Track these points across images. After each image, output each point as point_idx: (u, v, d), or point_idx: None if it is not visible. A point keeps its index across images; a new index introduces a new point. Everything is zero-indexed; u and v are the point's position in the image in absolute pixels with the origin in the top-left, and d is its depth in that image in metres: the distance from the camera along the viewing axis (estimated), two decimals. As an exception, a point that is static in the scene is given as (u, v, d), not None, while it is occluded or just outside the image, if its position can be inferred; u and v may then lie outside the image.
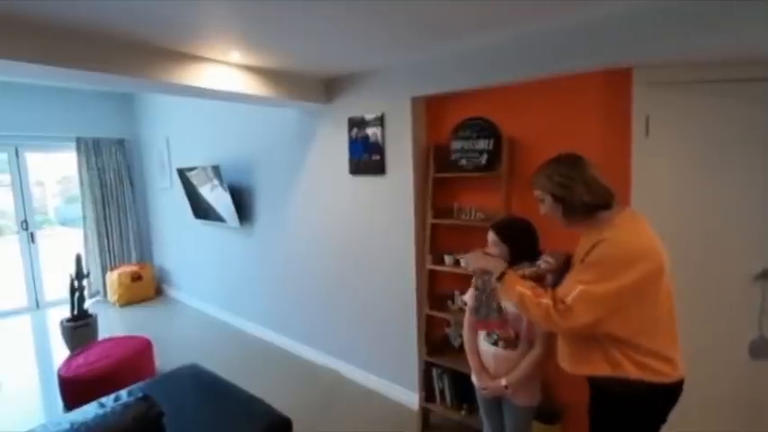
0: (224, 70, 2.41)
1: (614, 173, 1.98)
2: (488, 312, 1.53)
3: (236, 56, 2.30)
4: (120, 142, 5.14)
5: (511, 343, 1.60)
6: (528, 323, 1.56)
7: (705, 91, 1.89)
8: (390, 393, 2.85)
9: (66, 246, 5.32)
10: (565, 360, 1.42)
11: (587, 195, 1.31)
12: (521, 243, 1.58)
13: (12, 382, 3.24)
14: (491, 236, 1.62)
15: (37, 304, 4.75)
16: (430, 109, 2.60)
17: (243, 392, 2.11)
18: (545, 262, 1.48)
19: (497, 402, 1.70)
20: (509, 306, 1.60)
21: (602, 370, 1.31)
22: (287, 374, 3.24)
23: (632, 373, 1.26)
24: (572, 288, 1.26)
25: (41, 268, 4.80)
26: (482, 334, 1.68)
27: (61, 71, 1.91)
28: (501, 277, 1.41)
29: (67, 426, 1.33)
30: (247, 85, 2.54)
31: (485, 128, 2.29)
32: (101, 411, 1.50)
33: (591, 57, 1.84)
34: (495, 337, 1.63)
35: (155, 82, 2.19)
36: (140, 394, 1.72)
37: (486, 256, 1.51)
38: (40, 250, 4.80)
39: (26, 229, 4.63)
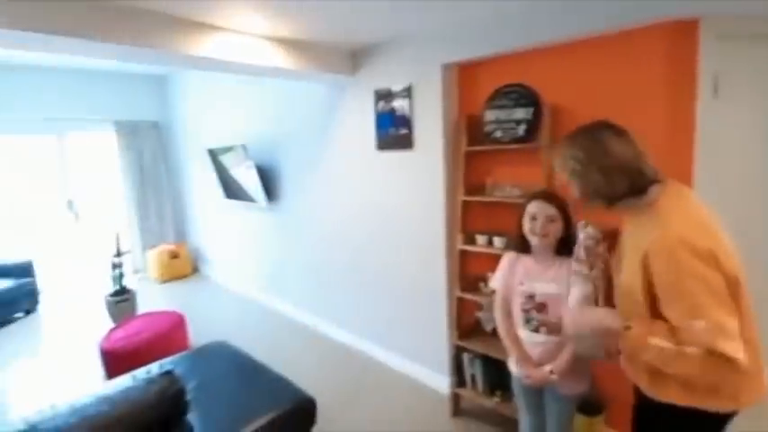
0: (249, 42, 2.33)
1: (675, 141, 1.75)
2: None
3: (259, 22, 2.19)
4: (155, 125, 5.26)
5: (553, 328, 1.44)
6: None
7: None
8: (420, 377, 2.77)
9: (110, 225, 5.56)
10: (661, 392, 1.11)
11: (604, 186, 1.09)
12: (570, 219, 1.43)
13: (66, 352, 3.45)
14: (548, 208, 1.43)
15: (84, 280, 5.03)
16: (462, 77, 2.41)
17: (269, 371, 2.10)
18: (588, 237, 1.29)
19: (538, 391, 1.57)
20: (548, 288, 1.45)
21: (718, 404, 1.06)
22: (315, 354, 3.24)
23: (740, 403, 1.05)
24: (687, 325, 0.95)
25: (88, 245, 5.05)
26: (520, 320, 1.53)
27: (78, 43, 1.85)
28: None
29: (93, 399, 1.34)
30: (272, 57, 2.44)
31: (523, 95, 2.08)
32: (128, 384, 1.51)
33: (649, 7, 1.60)
34: (536, 323, 1.48)
35: (179, 55, 2.14)
36: (168, 368, 1.73)
37: (596, 314, 1.15)
38: (88, 229, 5.04)
39: (71, 209, 4.87)
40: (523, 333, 1.53)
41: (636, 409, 1.25)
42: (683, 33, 1.68)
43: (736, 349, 0.92)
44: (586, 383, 1.52)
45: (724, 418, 1.09)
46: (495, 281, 1.63)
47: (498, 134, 2.16)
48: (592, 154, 1.10)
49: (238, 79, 3.92)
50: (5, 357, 3.20)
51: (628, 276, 1.12)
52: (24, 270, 4.17)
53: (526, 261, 1.53)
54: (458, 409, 2.42)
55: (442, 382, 2.57)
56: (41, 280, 4.36)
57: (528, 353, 1.52)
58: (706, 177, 1.70)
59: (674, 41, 1.71)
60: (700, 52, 1.68)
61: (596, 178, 1.09)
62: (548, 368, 1.44)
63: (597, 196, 1.13)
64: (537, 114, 2.03)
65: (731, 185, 1.70)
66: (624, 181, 1.08)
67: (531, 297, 1.49)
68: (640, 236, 1.07)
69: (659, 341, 0.98)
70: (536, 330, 1.49)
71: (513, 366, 1.59)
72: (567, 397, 1.50)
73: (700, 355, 0.93)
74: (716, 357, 0.92)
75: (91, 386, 2.18)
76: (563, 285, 1.42)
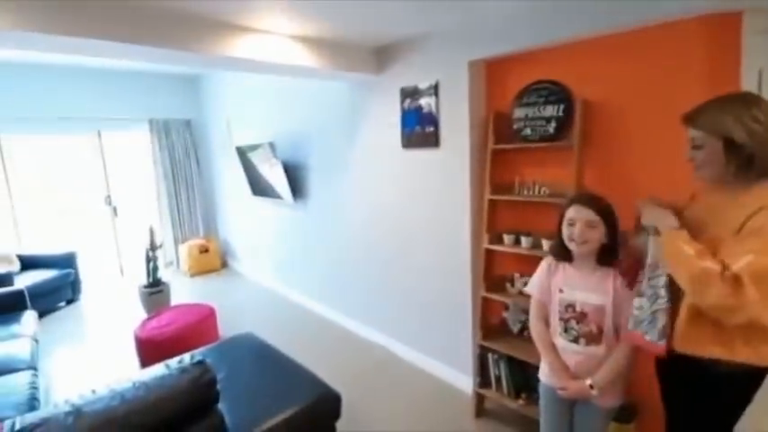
0: (276, 42, 2.38)
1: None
2: (648, 330, 1.23)
3: (285, 23, 2.24)
4: (187, 123, 5.44)
5: (593, 339, 1.38)
6: (613, 316, 1.35)
7: None
8: (444, 376, 2.76)
9: (144, 220, 5.80)
10: (688, 340, 1.19)
11: None
12: (612, 219, 1.36)
13: (104, 340, 3.64)
14: (587, 213, 1.34)
15: (121, 272, 5.28)
16: (490, 74, 2.38)
17: (296, 364, 2.15)
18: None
19: (570, 402, 1.49)
20: (589, 298, 1.39)
21: (741, 355, 1.11)
22: (340, 349, 3.28)
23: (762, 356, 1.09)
24: (736, 256, 1.02)
25: (124, 239, 5.29)
26: (558, 329, 1.47)
27: (112, 46, 1.93)
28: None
29: (131, 385, 1.41)
30: (299, 56, 2.48)
31: (554, 92, 2.04)
32: (162, 372, 1.57)
33: (690, 1, 1.53)
34: (575, 333, 1.41)
35: (210, 56, 2.21)
36: (199, 358, 1.80)
37: (662, 210, 1.20)
38: (125, 223, 5.27)
39: (109, 204, 5.11)
40: (560, 342, 1.46)
41: (681, 389, 1.27)
42: (725, 27, 1.61)
43: (719, 296, 1.01)
44: (621, 397, 1.45)
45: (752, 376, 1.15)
46: (532, 285, 1.56)
47: (527, 132, 2.13)
48: None
49: (267, 78, 4.01)
50: (50, 344, 3.39)
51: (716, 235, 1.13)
52: (67, 261, 4.41)
53: (567, 267, 1.47)
54: (481, 409, 2.40)
55: (466, 382, 2.55)
56: (83, 271, 4.60)
57: (564, 362, 1.45)
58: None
59: (715, 36, 1.63)
60: (743, 47, 1.60)
61: None
62: (588, 382, 1.36)
63: (761, 164, 1.09)
64: (568, 111, 1.98)
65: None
66: None
67: (570, 306, 1.42)
68: (746, 203, 1.08)
69: (687, 247, 1.09)
70: (575, 341, 1.42)
71: (545, 374, 1.53)
72: (601, 410, 1.43)
73: (709, 273, 1.01)
74: (710, 284, 1.01)
75: (127, 372, 2.29)
76: (606, 296, 1.35)
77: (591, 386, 1.36)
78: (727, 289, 1.00)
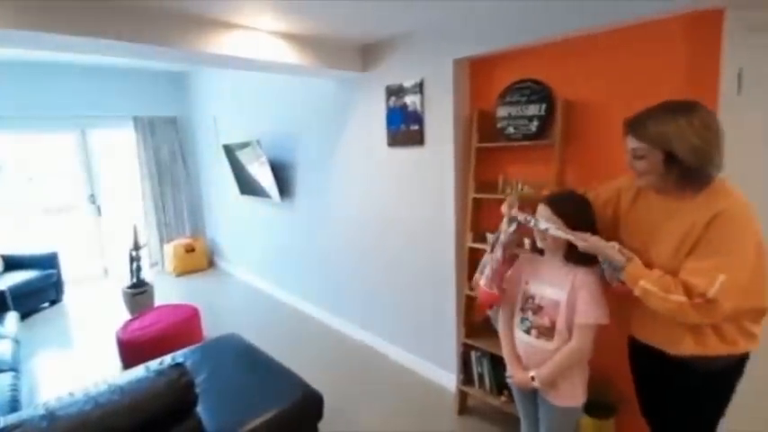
0: (259, 38, 2.35)
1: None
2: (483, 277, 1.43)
3: (268, 19, 2.21)
4: (173, 120, 5.36)
5: (544, 332, 1.42)
6: (567, 313, 1.37)
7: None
8: (427, 373, 2.77)
9: (129, 219, 5.70)
10: (667, 342, 1.26)
11: (717, 167, 1.10)
12: (577, 218, 1.37)
13: (87, 342, 3.58)
14: (543, 210, 1.40)
15: (105, 272, 5.19)
16: (474, 72, 2.38)
17: (278, 365, 2.13)
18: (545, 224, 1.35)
19: (531, 396, 1.53)
20: (548, 293, 1.42)
21: (717, 350, 1.17)
22: (325, 349, 3.27)
23: (743, 347, 1.15)
24: (710, 278, 1.06)
25: (108, 239, 5.20)
26: (517, 319, 1.51)
27: (89, 41, 1.87)
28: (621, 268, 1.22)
29: (106, 388, 1.38)
30: (284, 53, 2.46)
31: (536, 91, 2.04)
32: (140, 375, 1.55)
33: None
34: (529, 323, 1.46)
35: (193, 53, 2.17)
36: (180, 360, 1.77)
37: (602, 243, 1.25)
38: (109, 222, 5.18)
39: (93, 202, 5.02)
40: (516, 332, 1.52)
41: (673, 387, 1.30)
42: (704, 25, 1.62)
43: (694, 321, 1.11)
44: (579, 398, 1.45)
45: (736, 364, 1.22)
46: (508, 278, 1.60)
47: (510, 130, 2.13)
48: (715, 130, 1.09)
49: (253, 76, 3.97)
50: (34, 345, 3.33)
51: (669, 247, 1.18)
52: (50, 262, 4.32)
53: (539, 261, 1.50)
54: (464, 406, 2.41)
55: (449, 380, 2.56)
56: (66, 271, 4.51)
57: (518, 353, 1.51)
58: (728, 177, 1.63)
59: (695, 34, 1.65)
60: (724, 45, 1.61)
61: (716, 157, 1.09)
62: (531, 373, 1.42)
63: (704, 176, 1.12)
64: (550, 110, 1.99)
65: (753, 191, 1.62)
66: (720, 160, 1.10)
67: (531, 298, 1.47)
68: (692, 210, 1.13)
69: (649, 285, 1.13)
70: (527, 332, 1.46)
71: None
72: (557, 408, 1.44)
73: (680, 306, 1.08)
74: (686, 315, 1.09)
75: (109, 375, 2.26)
76: (563, 293, 1.38)
77: (533, 378, 1.42)
78: (702, 312, 1.07)
